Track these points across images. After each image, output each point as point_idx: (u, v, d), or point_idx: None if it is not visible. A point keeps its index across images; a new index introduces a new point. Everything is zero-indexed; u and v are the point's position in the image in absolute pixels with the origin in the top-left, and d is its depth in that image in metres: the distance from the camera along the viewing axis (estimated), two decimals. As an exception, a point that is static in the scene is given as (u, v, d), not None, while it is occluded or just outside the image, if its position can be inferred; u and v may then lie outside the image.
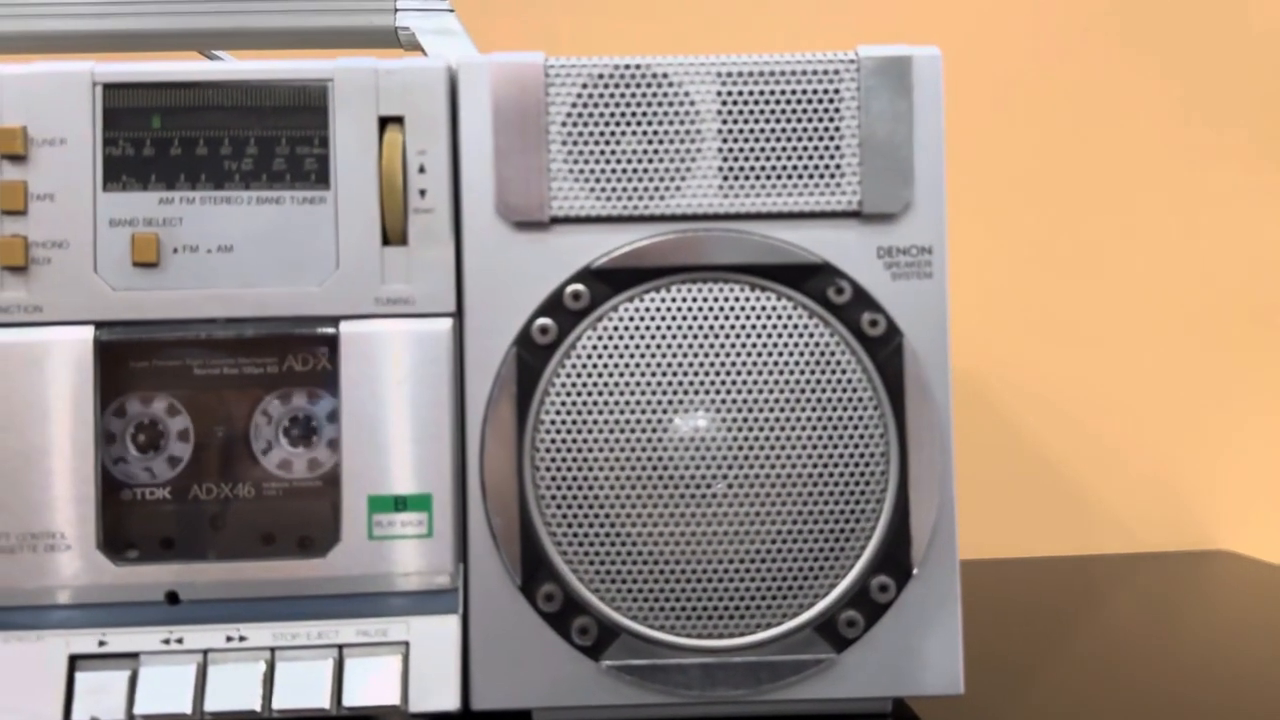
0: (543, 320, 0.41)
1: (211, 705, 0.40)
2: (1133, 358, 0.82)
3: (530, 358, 0.41)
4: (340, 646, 0.41)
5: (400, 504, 0.41)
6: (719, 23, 0.80)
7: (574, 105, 0.42)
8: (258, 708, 0.39)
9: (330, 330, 0.42)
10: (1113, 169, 0.82)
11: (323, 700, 0.40)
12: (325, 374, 0.42)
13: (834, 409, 0.41)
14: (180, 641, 0.41)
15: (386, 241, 0.42)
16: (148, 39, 0.50)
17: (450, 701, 0.41)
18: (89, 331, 0.41)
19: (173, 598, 0.41)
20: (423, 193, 0.42)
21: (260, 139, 0.42)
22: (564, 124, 0.42)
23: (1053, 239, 0.82)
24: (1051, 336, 0.82)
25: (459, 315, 0.42)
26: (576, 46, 0.45)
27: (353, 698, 0.40)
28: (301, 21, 0.49)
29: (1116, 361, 0.82)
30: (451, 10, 0.50)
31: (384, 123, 0.42)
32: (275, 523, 0.42)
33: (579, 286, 0.42)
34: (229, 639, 0.41)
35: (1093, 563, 0.78)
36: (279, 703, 0.40)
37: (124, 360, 0.42)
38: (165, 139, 0.42)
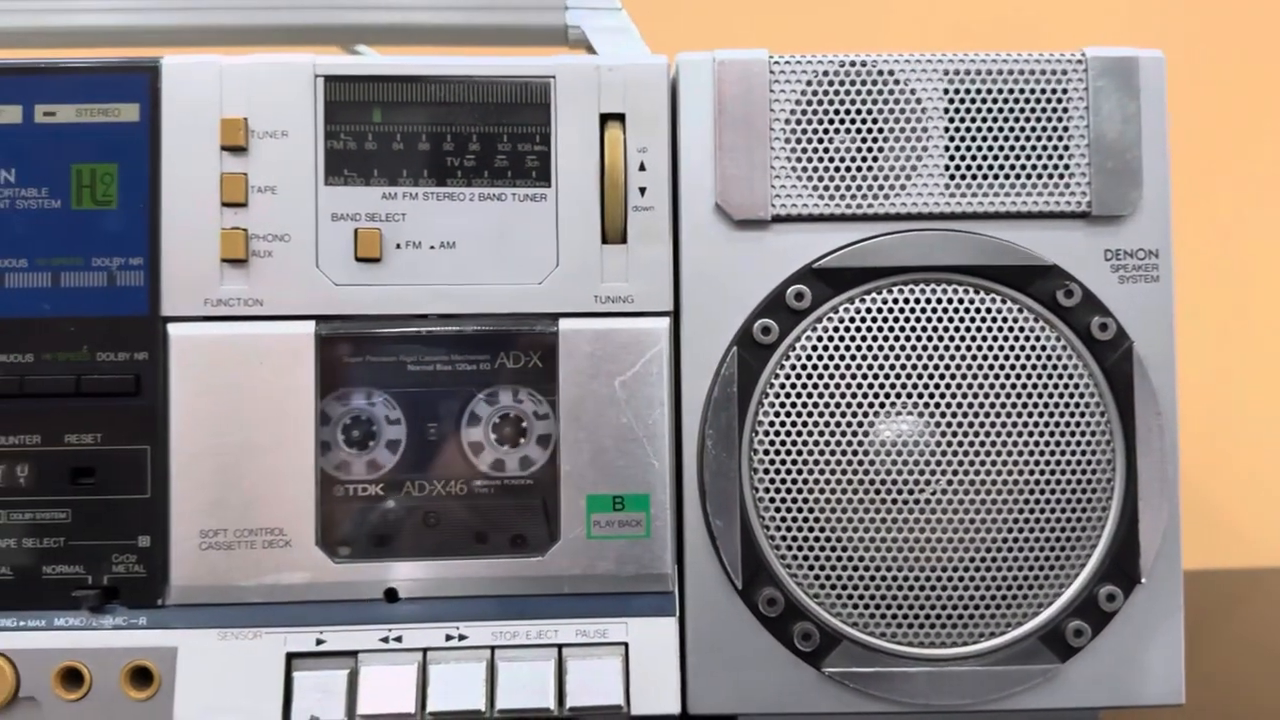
0: (764, 320, 0.41)
1: (434, 705, 0.39)
2: (1264, 368, 0.81)
3: (751, 358, 0.41)
4: (560, 646, 0.40)
5: (619, 503, 0.41)
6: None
7: (798, 102, 0.41)
8: (482, 707, 0.39)
9: (550, 328, 0.41)
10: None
11: (547, 700, 0.39)
12: (537, 371, 0.42)
13: (1059, 414, 0.41)
14: (399, 640, 0.40)
15: (605, 239, 0.41)
16: (312, 33, 0.49)
17: (671, 704, 0.40)
18: (310, 326, 0.41)
19: (391, 595, 0.41)
20: (642, 190, 0.41)
21: (482, 135, 0.41)
22: (787, 121, 0.41)
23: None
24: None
25: (676, 314, 0.42)
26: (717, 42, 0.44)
27: (576, 698, 0.39)
28: (469, 18, 0.49)
29: (1246, 373, 0.81)
30: (621, 8, 0.49)
31: (604, 120, 0.42)
32: (487, 520, 0.42)
33: (801, 286, 0.41)
34: (448, 638, 0.40)
35: (1219, 577, 0.77)
36: (502, 703, 0.39)
37: (339, 355, 0.41)
38: (387, 133, 0.41)
